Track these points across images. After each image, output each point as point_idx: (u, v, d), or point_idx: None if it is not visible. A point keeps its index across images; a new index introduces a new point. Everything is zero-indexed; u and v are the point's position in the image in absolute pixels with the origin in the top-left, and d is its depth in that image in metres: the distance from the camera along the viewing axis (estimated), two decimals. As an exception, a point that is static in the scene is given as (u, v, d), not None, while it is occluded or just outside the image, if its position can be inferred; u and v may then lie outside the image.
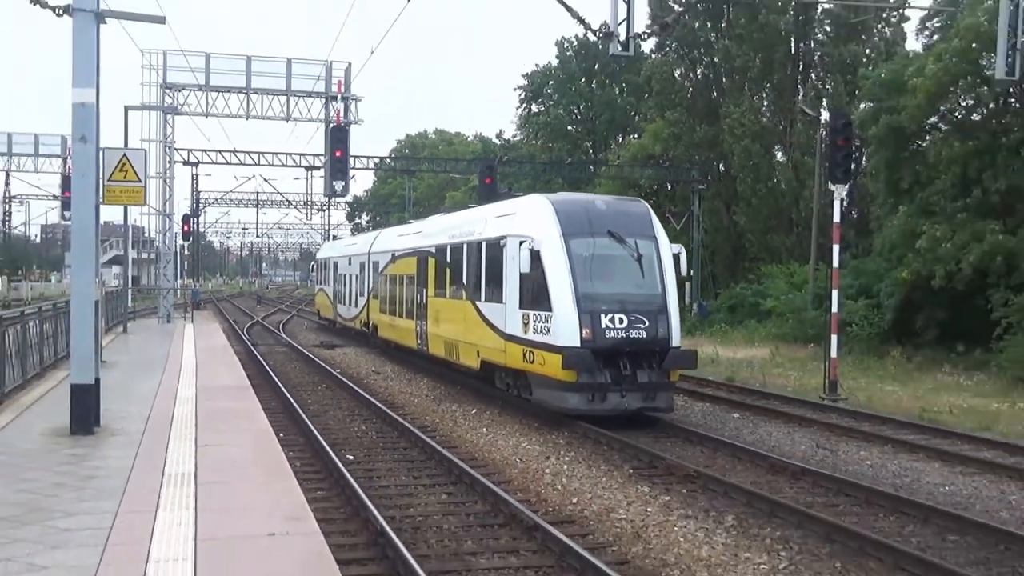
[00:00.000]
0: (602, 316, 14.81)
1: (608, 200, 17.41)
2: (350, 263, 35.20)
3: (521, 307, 16.08)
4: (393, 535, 8.91)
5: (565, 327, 14.79)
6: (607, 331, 14.77)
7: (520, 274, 15.71)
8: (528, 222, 16.37)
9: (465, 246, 19.51)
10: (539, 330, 15.41)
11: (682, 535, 9.68)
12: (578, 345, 14.55)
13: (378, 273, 29.17)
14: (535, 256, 15.28)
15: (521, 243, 15.53)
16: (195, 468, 9.23)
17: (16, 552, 6.45)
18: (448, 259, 20.71)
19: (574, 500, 11.33)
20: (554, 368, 14.79)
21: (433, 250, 22.12)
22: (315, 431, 14.62)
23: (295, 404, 17.52)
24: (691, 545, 9.35)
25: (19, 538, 6.79)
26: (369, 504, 10.07)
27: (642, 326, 14.99)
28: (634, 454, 13.73)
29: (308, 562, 6.41)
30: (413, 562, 8.14)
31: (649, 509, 10.74)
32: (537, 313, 15.51)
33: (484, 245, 18.19)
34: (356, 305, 33.38)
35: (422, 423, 16.68)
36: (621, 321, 14.86)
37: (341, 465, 12.09)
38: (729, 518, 10.41)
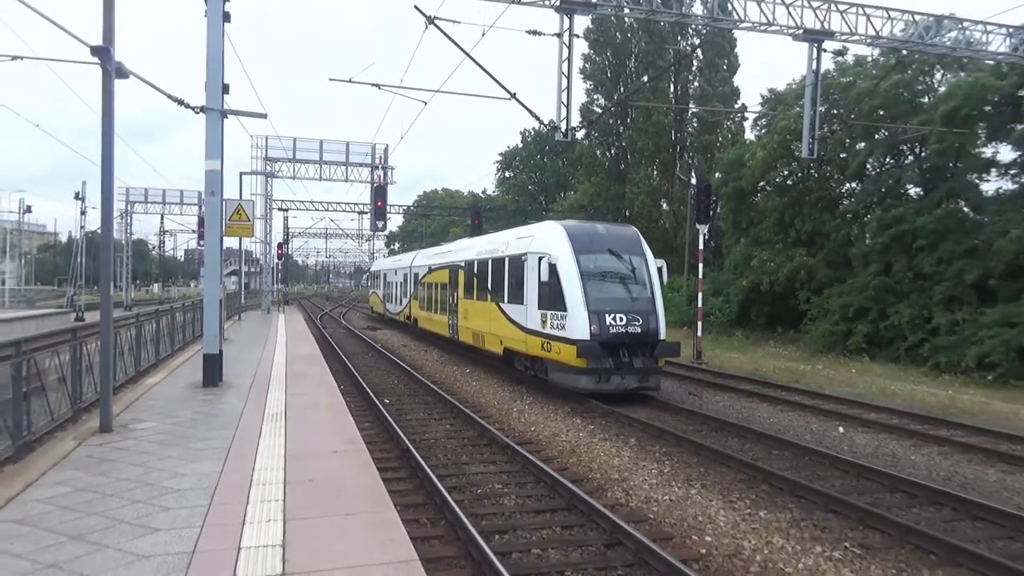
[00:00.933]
0: (606, 315, 13.15)
1: (607, 226, 15.18)
2: (395, 274, 33.26)
3: (540, 308, 14.10)
4: (414, 451, 8.90)
5: (578, 324, 13.04)
6: (610, 327, 13.05)
7: (539, 282, 13.96)
8: (546, 242, 14.35)
9: (490, 261, 17.33)
10: (555, 326, 13.57)
11: (602, 451, 9.72)
12: (588, 338, 12.89)
13: (418, 281, 27.16)
14: (552, 268, 13.53)
15: (540, 259, 13.87)
16: (285, 409, 9.16)
17: (167, 465, 6.40)
18: (475, 271, 18.53)
19: (532, 429, 11.34)
20: (569, 356, 13.10)
21: (463, 264, 20.15)
22: (364, 384, 14.54)
23: (351, 367, 17.41)
24: (608, 457, 9.40)
25: (168, 455, 6.73)
26: (399, 431, 10.04)
27: (637, 323, 13.29)
28: (571, 398, 13.71)
29: (358, 468, 6.39)
30: (427, 468, 8.14)
31: (580, 434, 10.78)
32: (554, 312, 13.62)
33: (507, 260, 16.12)
34: (400, 304, 31.55)
35: (433, 378, 16.61)
36: (621, 319, 13.20)
37: (381, 406, 12.05)
38: (632, 440, 10.47)
